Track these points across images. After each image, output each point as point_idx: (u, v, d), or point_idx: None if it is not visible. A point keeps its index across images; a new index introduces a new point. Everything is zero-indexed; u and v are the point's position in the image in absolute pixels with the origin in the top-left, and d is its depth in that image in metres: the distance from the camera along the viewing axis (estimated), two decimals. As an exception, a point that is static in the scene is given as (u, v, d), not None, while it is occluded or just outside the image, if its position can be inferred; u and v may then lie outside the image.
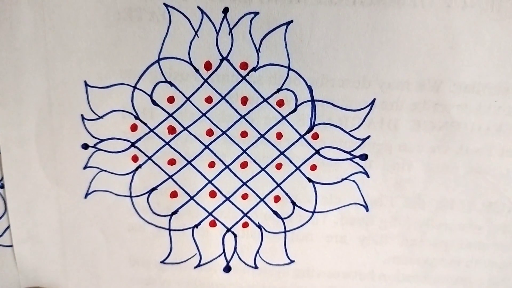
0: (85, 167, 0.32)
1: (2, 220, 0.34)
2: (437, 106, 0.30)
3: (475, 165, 0.31)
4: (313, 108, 0.31)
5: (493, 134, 0.31)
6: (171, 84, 0.30)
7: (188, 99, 0.31)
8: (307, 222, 0.33)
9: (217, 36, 0.29)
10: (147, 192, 0.33)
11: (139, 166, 0.32)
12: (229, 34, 0.29)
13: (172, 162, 0.32)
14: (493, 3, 0.28)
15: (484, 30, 0.29)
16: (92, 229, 0.34)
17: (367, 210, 0.33)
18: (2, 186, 0.33)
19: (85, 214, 0.33)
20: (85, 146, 0.32)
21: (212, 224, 0.33)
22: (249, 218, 0.33)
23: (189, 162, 0.32)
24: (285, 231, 0.33)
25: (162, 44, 0.29)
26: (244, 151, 0.32)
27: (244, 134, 0.31)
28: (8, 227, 0.34)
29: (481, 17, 0.28)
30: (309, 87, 0.30)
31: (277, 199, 0.33)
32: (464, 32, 0.29)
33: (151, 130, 0.31)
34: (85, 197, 0.33)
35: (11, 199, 0.33)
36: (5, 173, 0.32)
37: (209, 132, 0.32)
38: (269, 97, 0.31)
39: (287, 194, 0.33)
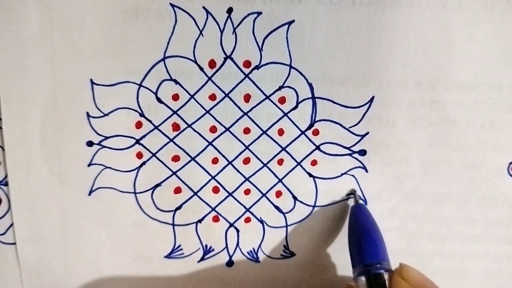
0: (89, 165, 0.33)
1: (5, 218, 0.34)
2: (433, 104, 0.31)
3: (470, 160, 0.32)
4: (314, 105, 0.32)
5: (487, 130, 0.32)
6: (176, 82, 0.31)
7: (192, 96, 0.31)
8: (308, 216, 0.34)
9: (221, 35, 0.30)
10: (151, 189, 0.33)
11: (143, 163, 0.33)
12: (233, 33, 0.30)
13: (176, 158, 0.33)
14: (487, 4, 0.29)
15: (478, 30, 0.30)
16: (95, 226, 0.34)
17: (366, 204, 0.33)
18: (6, 184, 0.33)
19: (88, 212, 0.34)
20: (89, 144, 0.32)
21: (215, 219, 0.34)
22: (251, 213, 0.34)
23: (193, 159, 0.33)
24: (287, 226, 0.34)
25: (168, 43, 0.30)
26: (247, 147, 0.32)
27: (246, 130, 0.32)
28: (11, 225, 0.34)
29: (476, 17, 0.29)
30: (310, 85, 0.31)
31: (278, 194, 0.33)
32: (459, 32, 0.30)
33: (156, 127, 0.32)
34: (89, 194, 0.33)
35: (15, 196, 0.33)
36: (9, 170, 0.32)
37: (213, 129, 0.32)
38: (271, 95, 0.31)
39: (288, 189, 0.33)
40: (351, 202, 0.33)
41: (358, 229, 0.31)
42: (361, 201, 0.33)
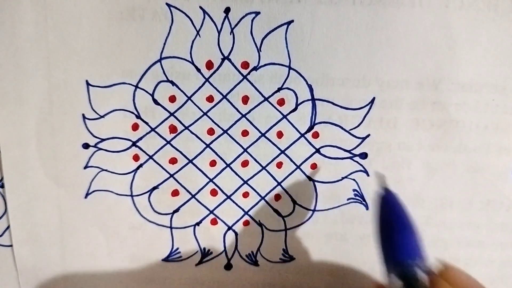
0: (85, 167, 0.32)
1: (2, 220, 0.34)
2: (435, 105, 0.31)
3: (473, 163, 0.32)
4: (314, 107, 0.31)
5: (490, 132, 0.31)
6: (173, 83, 0.31)
7: (189, 98, 0.31)
8: (307, 220, 0.33)
9: (219, 35, 0.30)
10: (148, 191, 0.33)
11: (140, 165, 0.32)
12: (230, 34, 0.30)
13: (173, 161, 0.32)
14: (490, 3, 0.29)
15: (481, 30, 0.29)
16: (92, 228, 0.34)
17: (367, 209, 0.33)
18: (2, 186, 0.33)
19: (85, 214, 0.33)
20: (85, 146, 0.32)
21: (213, 222, 0.33)
22: (250, 216, 0.33)
23: (191, 161, 0.32)
24: (286, 229, 0.33)
25: (164, 44, 0.30)
26: (245, 150, 0.32)
27: (245, 133, 0.32)
28: (8, 227, 0.34)
29: (478, 17, 0.29)
30: (310, 86, 0.31)
31: (277, 197, 0.33)
32: (461, 31, 0.29)
33: (153, 129, 0.32)
34: (85, 197, 0.33)
35: (11, 199, 0.33)
36: (5, 173, 0.32)
37: (210, 131, 0.32)
38: (269, 96, 0.31)
39: (287, 193, 0.33)
40: (351, 207, 0.33)
41: (391, 220, 0.27)
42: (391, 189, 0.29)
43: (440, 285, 0.22)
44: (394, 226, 0.26)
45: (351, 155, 0.32)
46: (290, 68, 0.30)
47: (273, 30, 0.30)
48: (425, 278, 0.24)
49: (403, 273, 0.24)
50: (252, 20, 0.29)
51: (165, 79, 0.31)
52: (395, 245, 0.25)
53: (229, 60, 0.30)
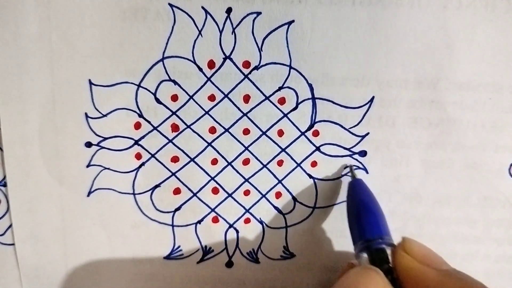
0: (88, 165, 0.33)
1: (4, 219, 0.34)
2: (433, 104, 0.31)
3: (470, 161, 0.32)
4: (314, 106, 0.31)
5: (487, 131, 0.31)
6: (175, 82, 0.31)
7: (191, 97, 0.31)
8: (307, 217, 0.34)
9: (221, 35, 0.30)
10: (150, 189, 0.33)
11: (143, 164, 0.33)
12: (232, 34, 0.30)
13: (175, 159, 0.32)
14: (487, 3, 0.29)
15: (479, 30, 0.30)
16: (95, 227, 0.34)
17: (366, 205, 0.33)
18: (5, 185, 0.33)
19: (87, 212, 0.33)
20: (88, 145, 0.32)
21: (215, 220, 0.34)
22: (251, 214, 0.34)
23: (192, 160, 0.33)
24: (286, 227, 0.34)
25: (167, 43, 0.30)
26: (246, 148, 0.32)
27: (246, 131, 0.32)
28: (10, 226, 0.34)
29: (476, 17, 0.29)
30: (310, 85, 0.31)
31: (278, 195, 0.33)
32: (459, 31, 0.30)
33: (155, 128, 0.32)
34: (88, 195, 0.33)
35: (14, 197, 0.33)
36: (8, 171, 0.32)
37: (212, 130, 0.32)
38: (270, 95, 0.31)
39: (288, 190, 0.33)
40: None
41: (357, 204, 0.30)
42: (358, 176, 0.32)
43: (399, 254, 0.26)
44: (361, 209, 0.30)
45: (350, 153, 0.32)
46: (290, 67, 0.31)
47: (274, 30, 0.30)
48: (388, 250, 0.27)
49: (370, 248, 0.28)
50: (254, 20, 0.30)
51: (167, 78, 0.31)
52: (362, 225, 0.29)
53: (231, 60, 0.31)
